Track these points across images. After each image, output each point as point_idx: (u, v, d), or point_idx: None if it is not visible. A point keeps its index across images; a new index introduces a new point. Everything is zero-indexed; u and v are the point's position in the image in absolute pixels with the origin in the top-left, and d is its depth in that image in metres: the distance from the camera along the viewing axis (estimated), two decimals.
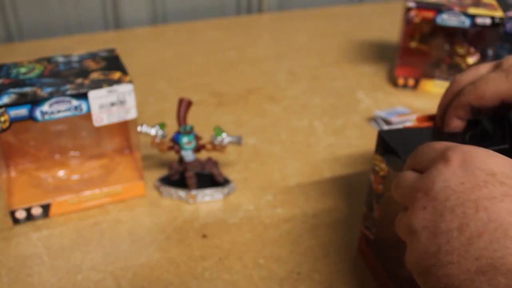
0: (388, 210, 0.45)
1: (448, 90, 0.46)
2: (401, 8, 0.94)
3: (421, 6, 0.78)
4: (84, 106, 0.50)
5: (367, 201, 0.48)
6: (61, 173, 0.60)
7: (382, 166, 0.44)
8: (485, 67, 0.45)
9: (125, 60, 0.59)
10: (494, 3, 0.80)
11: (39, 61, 0.55)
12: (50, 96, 0.48)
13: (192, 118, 0.62)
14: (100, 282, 0.48)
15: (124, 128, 0.61)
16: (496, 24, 0.76)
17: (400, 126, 0.72)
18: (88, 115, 0.51)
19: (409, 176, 0.34)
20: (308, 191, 0.61)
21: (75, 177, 0.60)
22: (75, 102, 0.50)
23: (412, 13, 0.79)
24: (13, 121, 0.48)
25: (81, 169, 0.60)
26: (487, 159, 0.31)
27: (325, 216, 0.57)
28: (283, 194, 0.60)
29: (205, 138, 0.61)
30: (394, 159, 0.42)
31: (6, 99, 0.47)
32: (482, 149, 0.32)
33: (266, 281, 0.48)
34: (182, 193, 0.58)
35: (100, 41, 0.98)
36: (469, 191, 0.29)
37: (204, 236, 0.54)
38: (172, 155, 0.64)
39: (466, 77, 0.45)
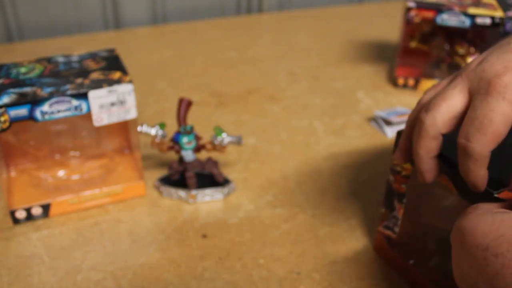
0: (413, 207, 0.46)
1: (423, 135, 0.36)
2: (401, 8, 0.94)
3: (421, 6, 0.78)
4: (84, 106, 0.50)
5: (386, 202, 0.48)
6: (61, 173, 0.60)
7: (405, 166, 0.44)
8: (454, 98, 0.35)
9: (125, 60, 0.59)
10: (494, 3, 0.80)
11: (39, 61, 0.55)
12: (50, 96, 0.48)
13: (192, 118, 0.62)
14: (100, 282, 0.48)
15: (124, 128, 0.61)
16: (496, 24, 0.76)
17: (400, 126, 0.72)
18: (88, 115, 0.51)
19: None
20: (308, 191, 0.61)
21: (75, 177, 0.60)
22: (75, 102, 0.50)
23: (412, 13, 0.79)
24: (13, 121, 0.48)
25: (81, 169, 0.60)
26: (475, 232, 0.31)
27: (325, 216, 0.57)
28: (283, 194, 0.60)
29: (205, 138, 0.61)
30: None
31: (6, 99, 0.47)
32: (470, 218, 0.32)
33: (266, 281, 0.48)
34: (182, 193, 0.58)
35: (100, 41, 0.98)
36: (481, 274, 0.30)
37: (204, 236, 0.54)
38: (172, 155, 0.64)
39: (441, 118, 0.35)
